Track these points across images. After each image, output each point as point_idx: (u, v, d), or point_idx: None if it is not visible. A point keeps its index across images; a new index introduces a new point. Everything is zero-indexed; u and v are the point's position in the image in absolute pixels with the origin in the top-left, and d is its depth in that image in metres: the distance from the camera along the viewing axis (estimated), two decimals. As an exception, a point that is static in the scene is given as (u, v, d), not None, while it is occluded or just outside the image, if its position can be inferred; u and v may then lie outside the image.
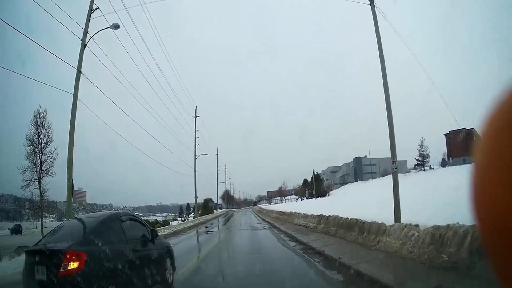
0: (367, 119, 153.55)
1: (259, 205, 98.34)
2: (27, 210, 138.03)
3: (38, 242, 5.59)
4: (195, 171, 41.82)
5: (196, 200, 43.18)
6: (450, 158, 67.16)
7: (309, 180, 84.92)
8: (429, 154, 77.61)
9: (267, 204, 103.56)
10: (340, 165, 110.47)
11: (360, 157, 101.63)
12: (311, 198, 71.72)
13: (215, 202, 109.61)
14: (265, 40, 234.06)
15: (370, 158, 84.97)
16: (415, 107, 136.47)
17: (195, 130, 42.56)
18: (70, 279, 4.44)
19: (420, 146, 77.30)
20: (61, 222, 7.43)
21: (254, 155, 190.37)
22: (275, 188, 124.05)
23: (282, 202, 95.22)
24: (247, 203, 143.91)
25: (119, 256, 5.20)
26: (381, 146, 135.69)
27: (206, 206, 78.23)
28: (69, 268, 4.49)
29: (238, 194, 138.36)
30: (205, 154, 44.68)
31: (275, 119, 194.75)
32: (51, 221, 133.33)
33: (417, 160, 78.67)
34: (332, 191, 75.93)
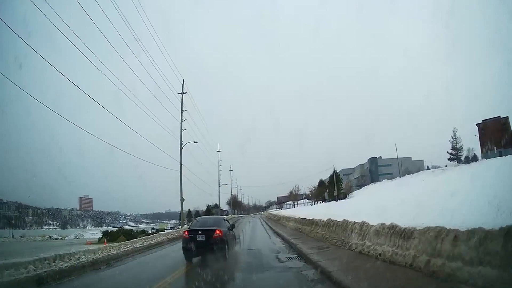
0: (379, 119, 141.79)
1: (268, 211, 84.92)
2: (30, 217, 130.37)
3: (190, 226, 12.80)
4: (180, 164, 29.53)
5: (182, 204, 30.68)
6: (495, 149, 53.40)
7: (324, 181, 71.92)
8: (463, 147, 64.86)
9: (277, 209, 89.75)
10: (353, 167, 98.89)
11: (376, 157, 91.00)
12: (329, 201, 58.71)
13: (222, 208, 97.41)
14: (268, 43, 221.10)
15: (397, 158, 71.70)
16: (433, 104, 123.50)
17: (181, 110, 30.35)
18: (217, 238, 10.30)
19: (453, 138, 64.49)
20: (196, 220, 13.44)
21: (263, 160, 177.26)
22: (285, 193, 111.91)
23: (294, 207, 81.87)
24: (256, 208, 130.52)
25: (227, 233, 11.19)
26: (393, 146, 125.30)
27: (209, 213, 65.91)
28: (217, 235, 10.37)
29: (246, 200, 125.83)
30: (195, 142, 32.23)
31: (283, 123, 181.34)
32: (55, 228, 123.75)
33: (450, 154, 65.72)
34: (353, 192, 62.69)
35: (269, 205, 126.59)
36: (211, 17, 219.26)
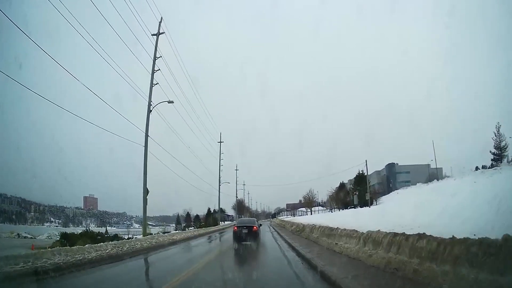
0: (395, 124, 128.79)
1: (279, 217, 71.53)
2: (32, 213, 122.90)
3: (236, 223, 19.04)
4: (146, 136, 17.74)
5: (145, 198, 18.59)
6: None
7: (345, 184, 59.21)
8: (507, 145, 51.53)
9: (289, 216, 75.99)
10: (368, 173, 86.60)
11: (394, 163, 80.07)
12: (354, 207, 46.24)
13: (227, 213, 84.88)
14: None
15: (434, 164, 59.37)
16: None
17: (154, 57, 18.79)
18: (255, 231, 16.90)
19: (496, 135, 51.22)
20: (238, 220, 26.10)
21: (269, 165, 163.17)
22: (294, 201, 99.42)
23: (307, 214, 68.56)
24: (265, 215, 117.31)
25: (258, 228, 18.07)
26: (405, 154, 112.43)
27: (209, 218, 54.05)
28: (255, 229, 16.96)
29: (254, 205, 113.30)
30: (170, 102, 19.92)
31: (287, 125, 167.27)
32: (56, 226, 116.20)
33: (493, 154, 52.64)
34: (381, 198, 50.13)
35: (278, 211, 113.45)
36: (211, 16, 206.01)
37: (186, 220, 57.90)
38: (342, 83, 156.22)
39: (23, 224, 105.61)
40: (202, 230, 31.43)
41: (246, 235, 16.42)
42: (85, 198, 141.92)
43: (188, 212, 57.47)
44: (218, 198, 44.03)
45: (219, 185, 42.83)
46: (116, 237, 32.39)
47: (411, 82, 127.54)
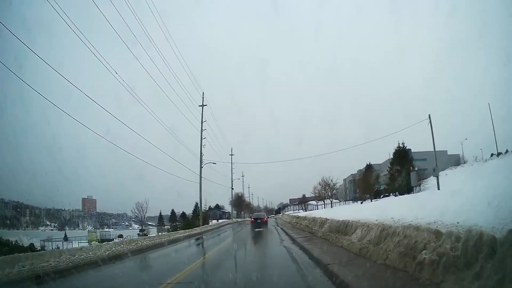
0: (410, 110, 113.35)
1: (286, 213, 55.12)
2: (27, 217, 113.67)
3: (252, 216, 34.30)
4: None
5: None
6: None
7: (372, 166, 43.98)
8: None
9: (300, 210, 58.35)
10: (379, 162, 71.80)
11: (410, 150, 65.24)
12: (388, 195, 31.25)
13: (223, 210, 69.83)
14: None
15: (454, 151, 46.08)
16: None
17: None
18: (265, 221, 27.55)
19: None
20: (253, 214, 40.31)
21: (273, 160, 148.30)
22: (298, 196, 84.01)
23: (318, 208, 52.31)
24: (267, 211, 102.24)
25: (268, 219, 31.85)
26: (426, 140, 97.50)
27: (195, 214, 39.14)
28: (265, 220, 27.92)
29: (256, 201, 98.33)
30: None
31: (294, 121, 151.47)
32: (51, 230, 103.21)
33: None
34: (427, 179, 35.64)
35: (283, 207, 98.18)
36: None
37: (171, 220, 43.05)
38: (348, 69, 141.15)
39: (17, 229, 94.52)
40: (162, 238, 16.72)
41: (259, 223, 25.29)
42: (83, 199, 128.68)
43: (172, 210, 42.64)
44: (199, 186, 28.48)
45: (201, 167, 27.63)
46: (31, 248, 20.72)
47: (416, 71, 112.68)
